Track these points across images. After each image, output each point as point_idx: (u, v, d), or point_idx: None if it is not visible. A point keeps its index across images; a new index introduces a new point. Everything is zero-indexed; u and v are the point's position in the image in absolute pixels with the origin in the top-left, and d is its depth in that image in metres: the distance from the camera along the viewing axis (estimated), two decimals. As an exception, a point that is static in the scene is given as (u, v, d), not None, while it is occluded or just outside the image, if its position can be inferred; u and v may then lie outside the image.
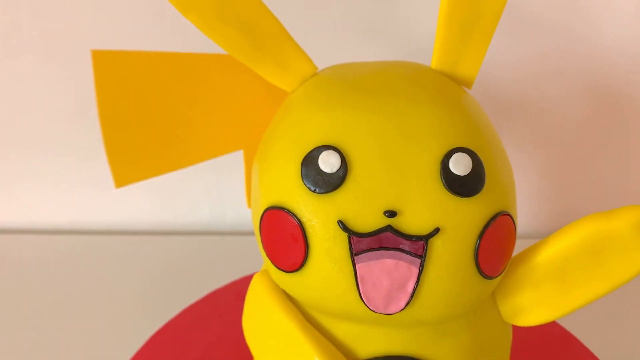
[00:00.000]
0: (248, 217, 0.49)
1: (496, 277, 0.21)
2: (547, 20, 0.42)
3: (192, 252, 0.46)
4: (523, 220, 0.44)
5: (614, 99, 0.44)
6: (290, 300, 0.22)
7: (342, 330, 0.21)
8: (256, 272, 0.24)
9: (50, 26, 0.42)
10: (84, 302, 0.40)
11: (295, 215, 0.20)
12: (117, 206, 0.49)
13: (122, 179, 0.26)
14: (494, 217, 0.20)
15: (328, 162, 0.19)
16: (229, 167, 0.47)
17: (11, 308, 0.39)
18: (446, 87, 0.22)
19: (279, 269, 0.21)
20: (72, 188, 0.48)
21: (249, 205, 0.28)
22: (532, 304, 0.23)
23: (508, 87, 0.44)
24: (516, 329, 0.27)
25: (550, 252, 0.22)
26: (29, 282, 0.42)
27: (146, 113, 0.26)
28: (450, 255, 0.19)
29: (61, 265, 0.44)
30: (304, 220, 0.19)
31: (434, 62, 0.23)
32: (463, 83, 0.23)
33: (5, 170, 0.48)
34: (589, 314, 0.38)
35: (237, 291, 0.38)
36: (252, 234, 0.48)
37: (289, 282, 0.21)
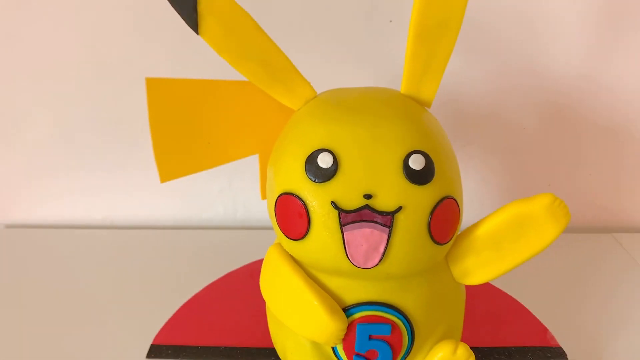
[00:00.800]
0: (255, 215, 0.57)
1: (445, 243, 0.28)
2: (506, 48, 0.50)
3: (208, 243, 0.54)
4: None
5: (562, 112, 0.52)
6: (296, 262, 0.30)
7: (334, 283, 0.29)
8: (269, 246, 0.32)
9: (95, 56, 0.50)
10: (120, 283, 0.47)
11: (301, 199, 0.27)
12: (145, 205, 0.56)
13: (165, 176, 0.34)
14: (441, 200, 0.27)
15: (324, 161, 0.27)
16: (239, 174, 0.55)
17: (61, 287, 0.47)
18: (410, 107, 0.30)
19: (289, 238, 0.28)
20: (106, 190, 0.56)
21: (263, 197, 0.36)
22: (475, 267, 0.31)
23: (476, 104, 0.52)
24: (476, 302, 0.35)
25: (487, 228, 0.30)
26: (72, 267, 0.50)
27: (186, 125, 0.34)
28: (410, 226, 0.27)
29: (98, 254, 0.52)
30: (307, 202, 0.27)
31: (402, 88, 0.31)
32: (424, 104, 0.31)
33: (52, 177, 0.55)
34: (538, 288, 0.46)
35: (249, 271, 0.46)
36: (257, 228, 0.57)
37: (296, 248, 0.29)
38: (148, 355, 0.37)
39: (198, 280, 0.45)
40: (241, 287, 0.44)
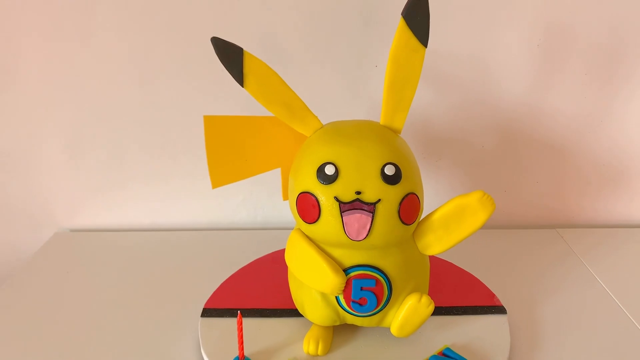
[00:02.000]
0: (271, 218, 0.72)
1: (410, 224, 0.42)
2: (467, 86, 0.64)
3: (236, 240, 0.67)
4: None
5: (513, 133, 0.66)
6: (310, 239, 0.44)
7: (337, 252, 0.43)
8: (291, 231, 0.46)
9: (147, 97, 0.65)
10: (171, 271, 0.61)
11: (314, 195, 0.42)
12: (183, 212, 0.71)
13: (216, 183, 0.49)
14: (406, 195, 0.42)
15: (329, 169, 0.41)
16: (258, 186, 0.69)
17: (123, 275, 0.61)
18: (386, 134, 0.44)
19: (305, 222, 0.42)
20: (152, 201, 0.70)
21: (284, 198, 0.50)
22: (432, 242, 0.45)
23: (446, 128, 0.66)
24: (443, 277, 0.49)
25: (439, 214, 0.44)
26: (128, 261, 0.64)
27: (231, 148, 0.48)
28: (386, 212, 0.41)
29: (147, 251, 0.66)
30: (318, 197, 0.41)
31: (381, 121, 0.45)
32: (396, 131, 0.45)
33: (109, 191, 0.69)
34: (492, 269, 0.59)
35: (271, 258, 0.60)
36: (273, 229, 0.70)
37: (310, 229, 0.43)
38: (202, 315, 0.51)
39: (231, 266, 0.59)
40: (266, 269, 0.58)
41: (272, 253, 0.61)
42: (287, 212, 0.49)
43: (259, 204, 0.71)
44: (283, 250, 0.48)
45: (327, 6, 0.61)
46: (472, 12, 0.61)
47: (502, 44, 0.63)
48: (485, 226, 0.66)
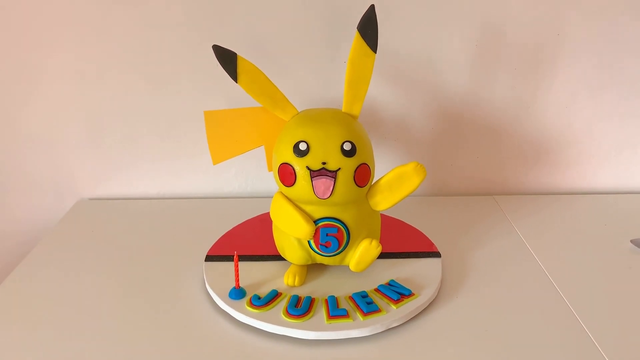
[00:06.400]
0: (259, 189, 0.86)
1: (363, 187, 0.57)
2: (418, 77, 0.79)
3: (230, 207, 0.82)
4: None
5: (456, 117, 0.81)
6: (288, 198, 0.58)
7: (308, 208, 0.58)
8: (275, 193, 0.61)
9: (156, 94, 0.78)
10: (177, 230, 0.75)
11: (291, 165, 0.56)
12: (186, 184, 0.85)
13: (215, 160, 0.63)
14: (360, 165, 0.56)
15: (302, 146, 0.56)
16: (248, 162, 0.83)
17: (136, 235, 0.75)
18: (346, 118, 0.58)
19: (285, 186, 0.57)
20: (159, 174, 0.84)
21: (269, 169, 0.64)
22: (380, 200, 0.59)
23: (399, 113, 0.81)
24: (394, 231, 0.64)
25: (385, 179, 0.59)
26: (136, 226, 0.78)
27: (226, 133, 0.62)
28: (344, 177, 0.55)
29: (156, 217, 0.80)
30: (294, 166, 0.56)
31: (343, 109, 0.59)
32: (354, 117, 0.60)
33: (123, 166, 0.83)
34: (436, 226, 0.74)
35: (258, 219, 0.74)
36: (261, 197, 0.85)
37: (289, 191, 0.57)
38: (205, 260, 0.65)
39: (227, 226, 0.73)
40: (255, 226, 0.72)
41: (259, 215, 0.75)
42: (271, 184, 0.63)
43: (248, 176, 0.85)
44: (268, 213, 0.62)
45: (305, 18, 0.74)
46: (422, 18, 0.75)
47: (447, 44, 0.77)
48: (433, 194, 0.84)
